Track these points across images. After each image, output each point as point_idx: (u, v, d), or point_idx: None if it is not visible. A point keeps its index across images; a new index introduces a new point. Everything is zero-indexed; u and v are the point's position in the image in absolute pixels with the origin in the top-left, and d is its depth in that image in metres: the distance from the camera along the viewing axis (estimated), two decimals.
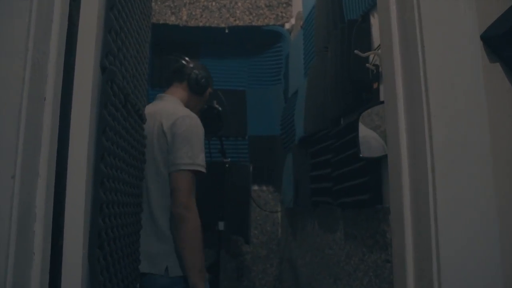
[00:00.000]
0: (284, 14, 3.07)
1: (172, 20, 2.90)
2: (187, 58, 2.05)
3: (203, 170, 1.74)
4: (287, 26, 3.09)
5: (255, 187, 3.27)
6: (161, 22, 2.88)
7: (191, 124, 1.77)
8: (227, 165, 2.59)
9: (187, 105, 1.95)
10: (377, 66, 1.51)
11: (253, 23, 3.03)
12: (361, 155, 1.52)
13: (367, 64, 1.54)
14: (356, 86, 1.63)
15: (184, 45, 3.14)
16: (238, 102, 3.25)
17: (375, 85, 1.51)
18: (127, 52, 1.26)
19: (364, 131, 1.58)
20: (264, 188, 3.29)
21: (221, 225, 2.58)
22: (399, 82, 0.97)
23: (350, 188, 1.68)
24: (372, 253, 1.54)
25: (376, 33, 1.61)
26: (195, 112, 2.01)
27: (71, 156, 0.90)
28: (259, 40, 3.23)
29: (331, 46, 1.91)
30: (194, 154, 1.72)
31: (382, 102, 1.44)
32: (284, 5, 3.08)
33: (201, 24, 2.94)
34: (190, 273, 1.65)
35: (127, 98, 1.25)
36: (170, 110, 1.82)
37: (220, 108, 2.40)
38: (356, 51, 1.52)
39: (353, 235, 1.72)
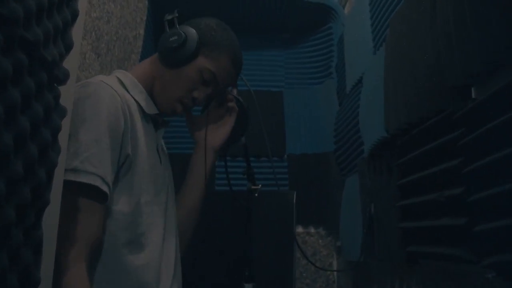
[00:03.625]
0: None
1: None
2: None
3: (94, 182, 0.88)
4: None
5: (299, 229, 2.30)
6: None
7: (75, 98, 0.88)
8: (256, 194, 1.64)
9: (148, 85, 1.10)
10: None
11: None
12: None
13: None
14: None
15: None
16: (273, 107, 2.36)
17: None
18: None
19: None
20: (312, 229, 2.32)
21: None
22: None
23: None
24: None
25: None
26: (172, 99, 1.10)
27: None
28: (301, 21, 2.34)
29: None
30: (76, 150, 0.88)
31: None
32: None
33: None
34: None
35: None
36: None
37: (241, 99, 1.45)
38: None
39: None
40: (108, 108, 0.93)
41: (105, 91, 0.95)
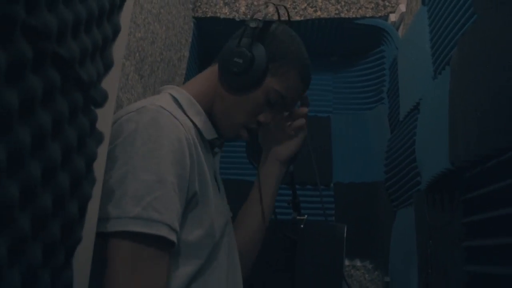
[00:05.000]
0: (387, 2, 2.07)
1: (225, 12, 2.01)
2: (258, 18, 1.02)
3: (160, 232, 0.76)
4: (392, 18, 2.08)
5: (345, 262, 2.15)
6: (209, 15, 1.99)
7: (131, 127, 0.80)
8: (302, 225, 1.55)
9: (207, 105, 0.99)
10: None
11: (342, 15, 2.05)
12: None
13: None
14: None
15: None
16: (320, 133, 2.24)
17: None
18: None
19: None
20: (358, 263, 2.17)
21: None
22: None
23: None
24: None
25: None
26: (236, 125, 1.00)
27: None
28: (350, 43, 2.24)
29: None
30: (136, 192, 0.75)
31: None
32: None
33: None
34: None
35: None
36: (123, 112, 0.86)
37: None
38: None
39: None
40: (172, 141, 0.80)
41: (166, 119, 0.82)
